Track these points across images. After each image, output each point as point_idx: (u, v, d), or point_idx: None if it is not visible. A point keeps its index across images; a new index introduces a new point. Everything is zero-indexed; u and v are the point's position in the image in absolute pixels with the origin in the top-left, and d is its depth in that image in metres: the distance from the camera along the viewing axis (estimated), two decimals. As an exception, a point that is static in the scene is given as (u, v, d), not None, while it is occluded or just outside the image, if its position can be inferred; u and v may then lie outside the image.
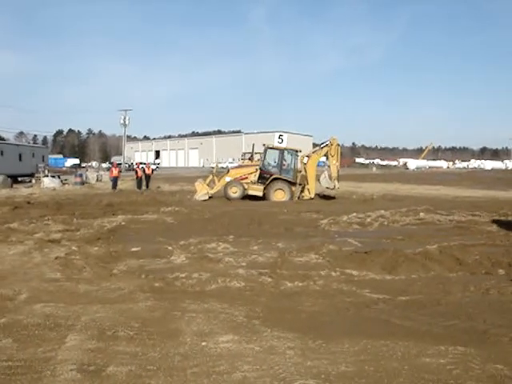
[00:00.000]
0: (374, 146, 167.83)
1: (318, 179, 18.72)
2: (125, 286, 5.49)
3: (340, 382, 3.11)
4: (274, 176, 17.92)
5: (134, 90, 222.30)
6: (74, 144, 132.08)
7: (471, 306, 4.75)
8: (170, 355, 3.54)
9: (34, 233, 9.32)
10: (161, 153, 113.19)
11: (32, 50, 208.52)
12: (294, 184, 18.05)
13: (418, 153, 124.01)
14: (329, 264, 6.62)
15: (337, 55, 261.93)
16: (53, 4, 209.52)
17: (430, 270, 6.32)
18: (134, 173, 27.65)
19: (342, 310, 4.66)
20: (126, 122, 64.37)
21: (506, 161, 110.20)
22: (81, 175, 30.03)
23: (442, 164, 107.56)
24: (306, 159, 18.74)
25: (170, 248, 7.79)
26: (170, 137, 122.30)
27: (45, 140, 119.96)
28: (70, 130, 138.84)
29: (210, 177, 19.18)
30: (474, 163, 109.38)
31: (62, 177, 31.27)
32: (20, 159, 32.18)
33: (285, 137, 19.60)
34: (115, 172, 24.52)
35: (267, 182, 17.87)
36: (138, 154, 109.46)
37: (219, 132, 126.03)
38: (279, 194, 17.72)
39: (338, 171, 18.88)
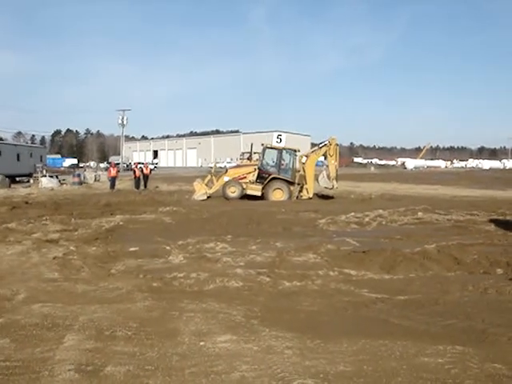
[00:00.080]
0: (372, 146, 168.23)
1: (316, 179, 18.73)
2: (123, 285, 5.47)
3: (338, 381, 3.11)
4: (272, 176, 17.92)
5: (133, 90, 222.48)
6: (72, 144, 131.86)
7: (469, 305, 4.75)
8: (168, 355, 3.53)
9: (31, 233, 9.30)
10: (159, 153, 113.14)
11: (32, 50, 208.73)
12: (292, 184, 18.06)
13: (416, 152, 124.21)
14: (327, 263, 6.62)
15: (337, 55, 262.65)
16: (53, 4, 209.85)
17: (428, 269, 6.32)
18: (132, 173, 27.61)
19: (340, 310, 4.66)
20: (124, 122, 64.25)
21: (504, 160, 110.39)
22: (79, 175, 30.02)
23: (440, 163, 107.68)
24: (304, 159, 18.73)
25: (168, 248, 7.78)
26: (168, 137, 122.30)
27: (43, 140, 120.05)
28: (68, 130, 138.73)
29: (209, 176, 19.17)
30: (472, 163, 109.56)
31: (60, 177, 31.25)
32: (18, 159, 32.09)
33: (283, 136, 19.60)
34: (113, 172, 24.50)
35: (266, 182, 17.88)
36: (136, 154, 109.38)
37: (217, 132, 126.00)
38: (278, 194, 17.73)
39: (337, 171, 18.90)
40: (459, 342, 3.73)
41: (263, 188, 17.84)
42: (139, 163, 30.19)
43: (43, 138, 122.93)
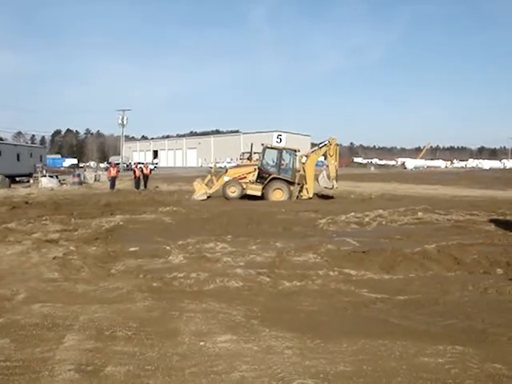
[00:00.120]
0: (372, 146, 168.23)
1: (316, 179, 18.73)
2: (123, 285, 5.47)
3: (338, 381, 3.11)
4: (272, 176, 17.92)
5: (133, 90, 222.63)
6: (72, 144, 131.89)
7: (469, 305, 4.75)
8: (168, 355, 3.53)
9: (31, 233, 9.30)
10: (159, 153, 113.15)
11: (32, 50, 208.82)
12: (292, 184, 18.05)
13: (416, 152, 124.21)
14: (327, 263, 6.62)
15: (337, 55, 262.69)
16: (53, 4, 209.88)
17: (428, 269, 6.32)
18: (132, 173, 27.61)
19: (340, 310, 4.66)
20: (124, 122, 64.28)
21: (504, 160, 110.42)
22: (79, 175, 30.01)
23: (440, 163, 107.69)
24: (304, 159, 18.73)
25: (168, 248, 7.78)
26: (168, 137, 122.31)
27: (43, 140, 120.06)
28: (68, 130, 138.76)
29: (209, 176, 19.17)
30: (472, 163, 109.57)
31: (60, 177, 31.25)
32: (18, 159, 32.08)
33: (283, 136, 19.62)
34: (113, 172, 24.50)
35: (266, 182, 17.88)
36: (136, 154, 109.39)
37: (217, 132, 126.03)
38: (278, 194, 17.73)
39: (337, 171, 18.90)
40: (459, 342, 3.73)
41: (263, 188, 17.83)
42: (139, 163, 30.21)
43: (43, 137, 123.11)
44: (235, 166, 22.20)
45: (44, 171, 30.76)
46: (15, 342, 3.75)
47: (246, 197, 17.91)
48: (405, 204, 14.74)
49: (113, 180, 24.12)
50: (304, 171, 18.40)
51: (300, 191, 18.28)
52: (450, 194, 21.97)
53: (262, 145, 18.87)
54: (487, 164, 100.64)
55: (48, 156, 54.69)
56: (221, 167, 35.74)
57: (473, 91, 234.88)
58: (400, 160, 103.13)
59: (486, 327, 4.08)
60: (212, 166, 22.80)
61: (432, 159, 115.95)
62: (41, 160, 35.42)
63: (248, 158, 25.86)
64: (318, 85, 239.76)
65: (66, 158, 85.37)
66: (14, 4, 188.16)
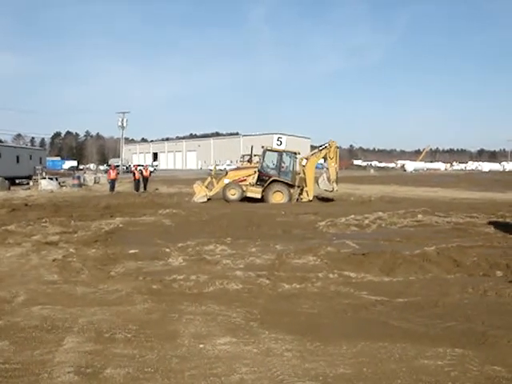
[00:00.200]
0: (371, 148, 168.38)
1: (316, 181, 18.74)
2: (122, 288, 5.47)
3: None
4: (272, 178, 17.92)
5: (133, 91, 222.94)
6: (71, 146, 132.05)
7: (469, 307, 4.75)
8: (167, 357, 3.53)
9: (31, 235, 9.30)
10: (159, 155, 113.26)
11: (32, 51, 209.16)
12: (292, 186, 18.06)
13: (415, 155, 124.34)
14: (327, 266, 6.62)
15: (337, 56, 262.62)
16: (53, 5, 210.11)
17: (427, 271, 6.32)
18: (131, 175, 27.62)
19: (339, 312, 4.66)
20: (124, 125, 64.24)
21: (504, 163, 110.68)
22: (78, 177, 30.03)
23: (440, 166, 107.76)
24: (304, 161, 18.73)
25: (167, 250, 7.77)
26: (167, 139, 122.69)
27: (42, 142, 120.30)
28: (68, 133, 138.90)
29: (209, 179, 19.18)
30: (471, 165, 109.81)
31: (59, 179, 31.27)
32: (18, 161, 32.09)
33: (283, 139, 19.62)
34: (113, 174, 24.52)
35: (266, 184, 17.88)
36: (136, 156, 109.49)
37: (217, 134, 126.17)
38: (278, 196, 17.73)
39: (337, 173, 18.91)
40: (459, 345, 3.73)
41: (263, 190, 17.84)
42: (139, 165, 30.27)
43: (43, 140, 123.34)
44: (235, 169, 22.21)
45: (44, 173, 30.75)
46: (15, 345, 3.75)
47: (246, 199, 17.91)
48: (404, 206, 14.74)
49: (112, 182, 24.14)
50: (304, 174, 18.41)
51: (300, 194, 18.29)
52: (450, 196, 21.98)
53: (262, 147, 18.89)
54: (487, 166, 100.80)
55: (48, 158, 54.76)
56: (221, 170, 35.78)
57: (473, 92, 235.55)
58: (400, 162, 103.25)
59: (486, 329, 4.08)
60: (212, 168, 22.81)
61: (432, 161, 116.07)
62: (40, 162, 35.45)
63: (248, 161, 25.85)
64: (318, 86, 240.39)
65: (66, 160, 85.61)
66: (15, 5, 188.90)
